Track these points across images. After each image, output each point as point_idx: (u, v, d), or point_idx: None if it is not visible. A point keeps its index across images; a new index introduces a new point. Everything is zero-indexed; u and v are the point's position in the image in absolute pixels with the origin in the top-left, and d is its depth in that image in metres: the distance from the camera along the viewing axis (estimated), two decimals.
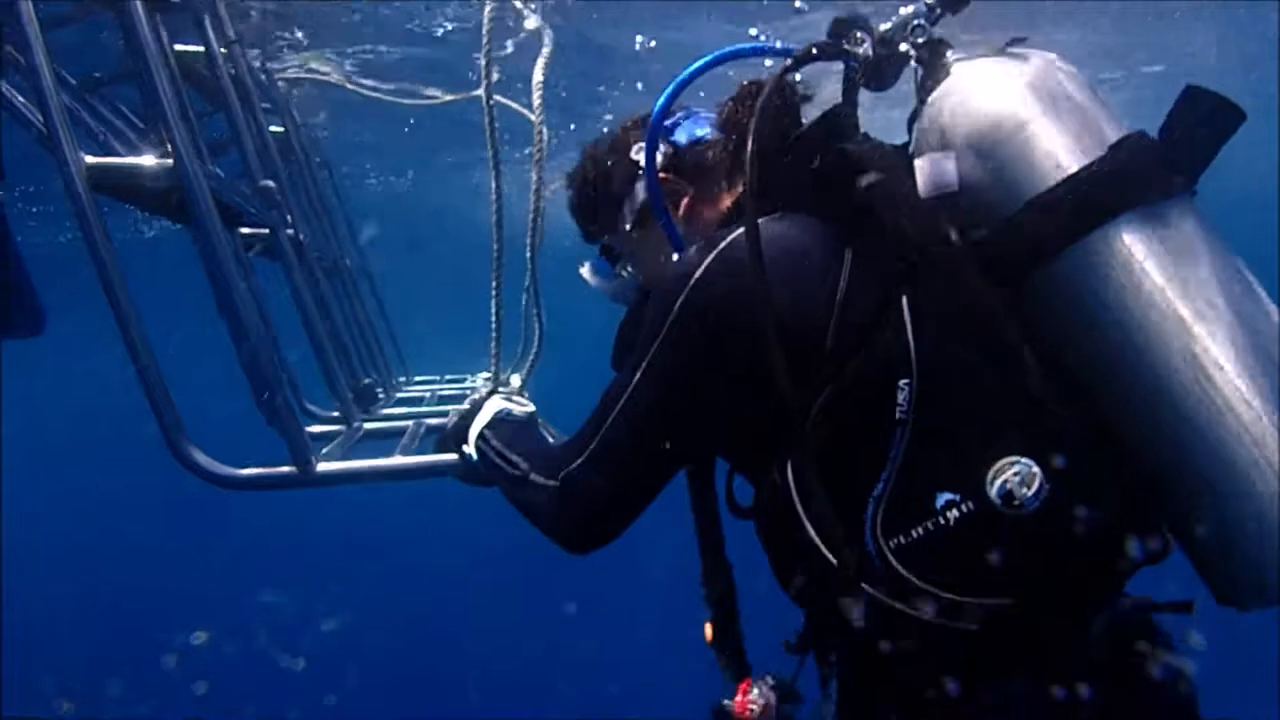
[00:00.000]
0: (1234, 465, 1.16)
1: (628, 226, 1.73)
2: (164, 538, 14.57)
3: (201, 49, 2.33)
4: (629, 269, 1.79)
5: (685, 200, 1.66)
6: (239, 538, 13.67)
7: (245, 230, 2.52)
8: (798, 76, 1.45)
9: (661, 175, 1.65)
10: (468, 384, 3.72)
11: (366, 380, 3.11)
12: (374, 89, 5.01)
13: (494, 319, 2.18)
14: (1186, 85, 1.25)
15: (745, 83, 1.61)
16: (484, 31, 1.88)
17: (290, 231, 2.61)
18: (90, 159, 1.69)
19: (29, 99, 2.13)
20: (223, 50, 2.42)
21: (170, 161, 1.73)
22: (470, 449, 1.83)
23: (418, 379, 4.06)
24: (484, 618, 11.58)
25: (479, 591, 12.23)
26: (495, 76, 1.99)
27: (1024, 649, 1.29)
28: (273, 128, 3.14)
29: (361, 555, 13.64)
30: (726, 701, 1.57)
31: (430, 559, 13.74)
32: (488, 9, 1.87)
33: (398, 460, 2.02)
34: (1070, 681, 1.28)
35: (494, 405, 1.88)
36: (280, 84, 4.22)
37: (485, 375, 3.40)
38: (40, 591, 11.68)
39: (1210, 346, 1.16)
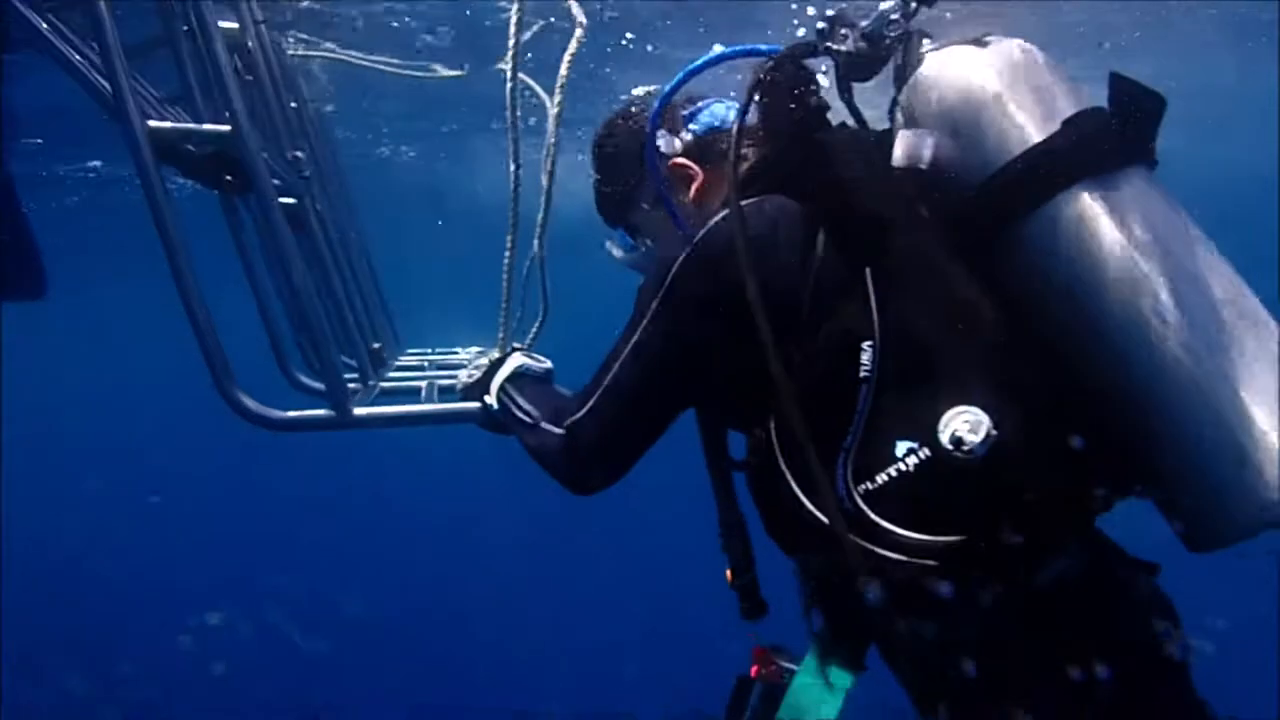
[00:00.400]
0: (1184, 415, 1.28)
1: (646, 205, 1.90)
2: (180, 519, 14.64)
3: (235, 25, 2.47)
4: (649, 243, 1.95)
5: (698, 183, 1.80)
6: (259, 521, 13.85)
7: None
8: (823, 67, 1.57)
9: (678, 160, 1.81)
10: (460, 356, 3.90)
11: (376, 345, 3.28)
12: (386, 63, 5.13)
13: (505, 284, 2.37)
14: (1111, 73, 1.40)
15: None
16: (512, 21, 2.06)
17: (314, 202, 2.77)
18: (153, 123, 1.86)
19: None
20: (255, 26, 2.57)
21: (226, 127, 1.90)
22: (492, 399, 2.01)
23: (409, 350, 4.23)
24: (501, 602, 11.66)
25: (496, 575, 12.33)
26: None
27: (982, 584, 1.39)
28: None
29: (380, 540, 13.73)
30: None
31: (447, 543, 13.83)
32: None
33: (427, 407, 2.20)
34: (1027, 619, 1.40)
35: (515, 360, 2.06)
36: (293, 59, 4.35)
37: (474, 348, 3.60)
38: (52, 573, 11.73)
39: (1160, 303, 1.27)
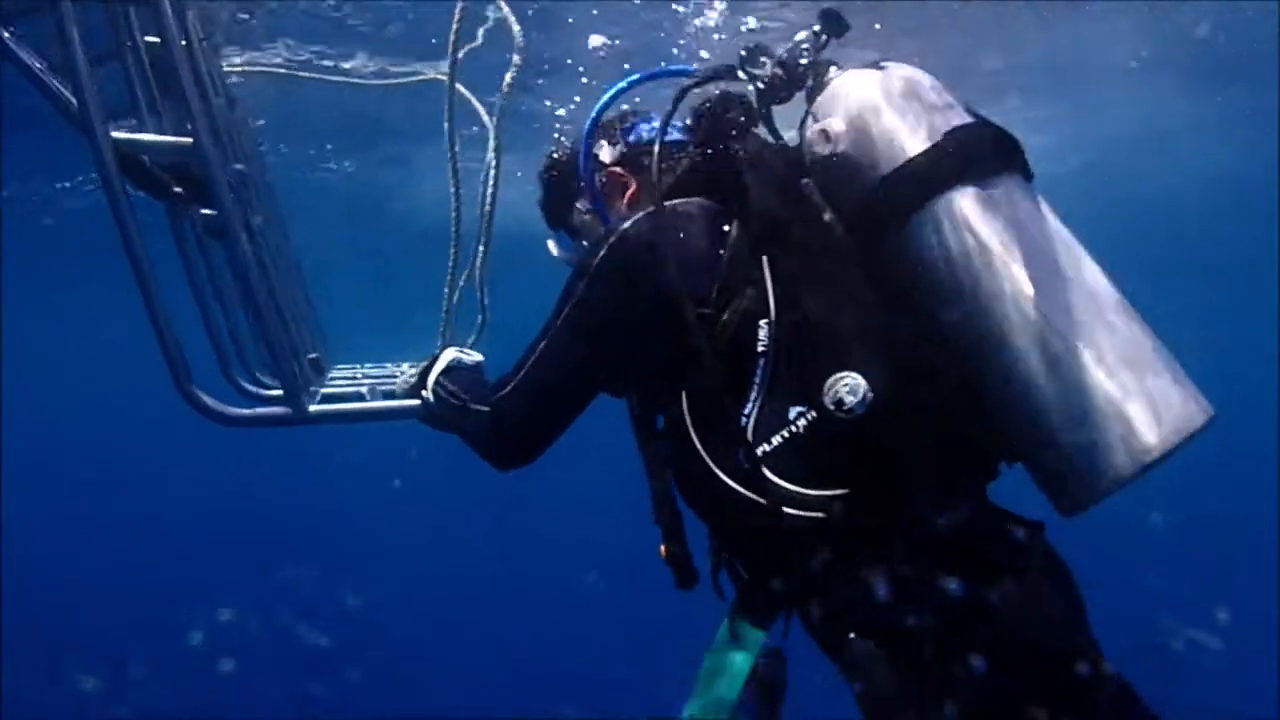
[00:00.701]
0: (1044, 389, 1.46)
1: (583, 209, 2.10)
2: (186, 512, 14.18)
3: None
4: (585, 244, 2.15)
5: (631, 190, 2.02)
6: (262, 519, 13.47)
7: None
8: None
9: (614, 169, 2.03)
10: (390, 370, 3.99)
11: (313, 355, 3.36)
12: (319, 74, 5.21)
13: (447, 290, 2.53)
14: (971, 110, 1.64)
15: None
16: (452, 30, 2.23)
17: (254, 216, 2.86)
18: (116, 133, 1.95)
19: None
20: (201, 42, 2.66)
21: (188, 140, 2.00)
22: (428, 393, 2.16)
23: (339, 365, 4.30)
24: (499, 603, 11.54)
25: (494, 578, 12.21)
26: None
27: (867, 534, 1.57)
28: None
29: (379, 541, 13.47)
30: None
31: (449, 545, 13.65)
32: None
33: (375, 404, 2.32)
34: (910, 565, 1.57)
35: (449, 354, 2.23)
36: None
37: (408, 365, 3.73)
38: (59, 571, 11.26)
39: (1025, 291, 1.47)
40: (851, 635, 1.59)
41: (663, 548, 1.95)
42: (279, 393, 3.00)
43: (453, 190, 2.51)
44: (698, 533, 1.97)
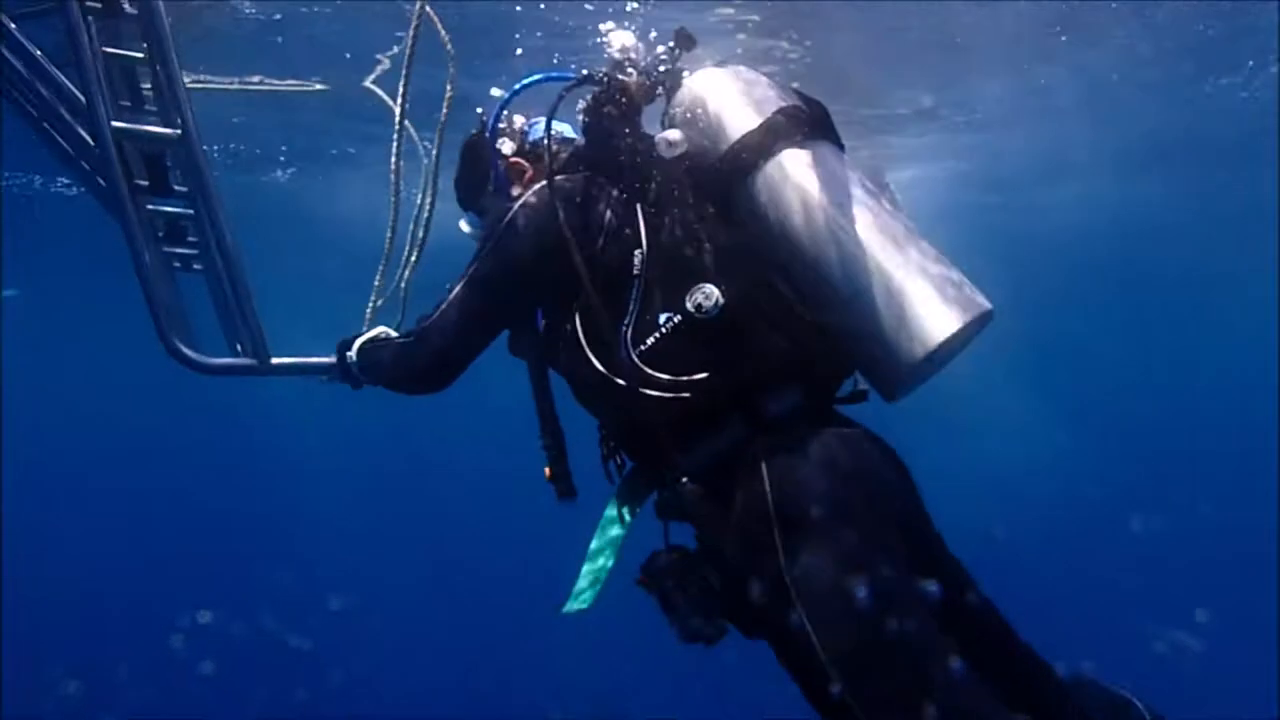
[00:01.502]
0: (861, 294, 1.91)
1: (491, 192, 2.56)
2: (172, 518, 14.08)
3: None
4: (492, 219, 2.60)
5: (528, 175, 2.49)
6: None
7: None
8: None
9: (514, 160, 2.50)
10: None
11: None
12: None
13: (378, 282, 2.93)
14: (794, 90, 2.14)
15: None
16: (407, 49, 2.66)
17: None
18: (116, 122, 2.35)
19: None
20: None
21: (176, 131, 2.41)
22: (352, 354, 2.56)
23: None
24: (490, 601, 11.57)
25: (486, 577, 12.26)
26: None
27: (716, 411, 1.99)
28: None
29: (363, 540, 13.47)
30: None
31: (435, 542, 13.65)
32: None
33: (320, 359, 2.68)
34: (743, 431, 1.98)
35: (378, 329, 2.67)
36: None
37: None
38: (45, 574, 11.12)
39: (838, 223, 1.96)
40: (684, 480, 2.03)
41: (547, 469, 2.39)
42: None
43: (393, 176, 2.90)
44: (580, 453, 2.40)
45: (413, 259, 2.89)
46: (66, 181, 10.74)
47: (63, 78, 2.52)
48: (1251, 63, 8.84)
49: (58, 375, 19.54)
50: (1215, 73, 9.15)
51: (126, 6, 2.51)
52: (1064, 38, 7.53)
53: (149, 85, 2.76)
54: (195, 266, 2.99)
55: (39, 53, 2.55)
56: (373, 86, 3.94)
